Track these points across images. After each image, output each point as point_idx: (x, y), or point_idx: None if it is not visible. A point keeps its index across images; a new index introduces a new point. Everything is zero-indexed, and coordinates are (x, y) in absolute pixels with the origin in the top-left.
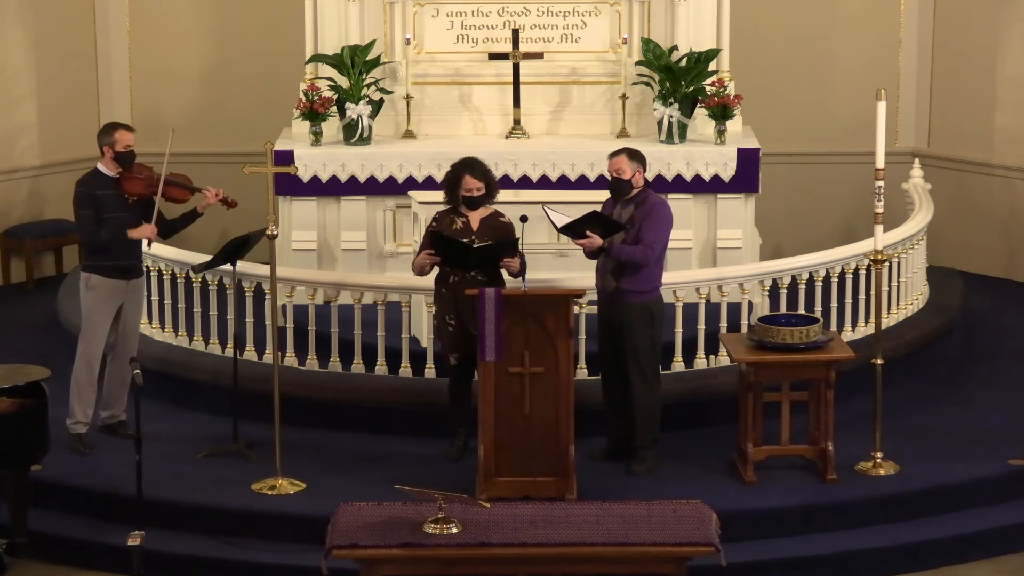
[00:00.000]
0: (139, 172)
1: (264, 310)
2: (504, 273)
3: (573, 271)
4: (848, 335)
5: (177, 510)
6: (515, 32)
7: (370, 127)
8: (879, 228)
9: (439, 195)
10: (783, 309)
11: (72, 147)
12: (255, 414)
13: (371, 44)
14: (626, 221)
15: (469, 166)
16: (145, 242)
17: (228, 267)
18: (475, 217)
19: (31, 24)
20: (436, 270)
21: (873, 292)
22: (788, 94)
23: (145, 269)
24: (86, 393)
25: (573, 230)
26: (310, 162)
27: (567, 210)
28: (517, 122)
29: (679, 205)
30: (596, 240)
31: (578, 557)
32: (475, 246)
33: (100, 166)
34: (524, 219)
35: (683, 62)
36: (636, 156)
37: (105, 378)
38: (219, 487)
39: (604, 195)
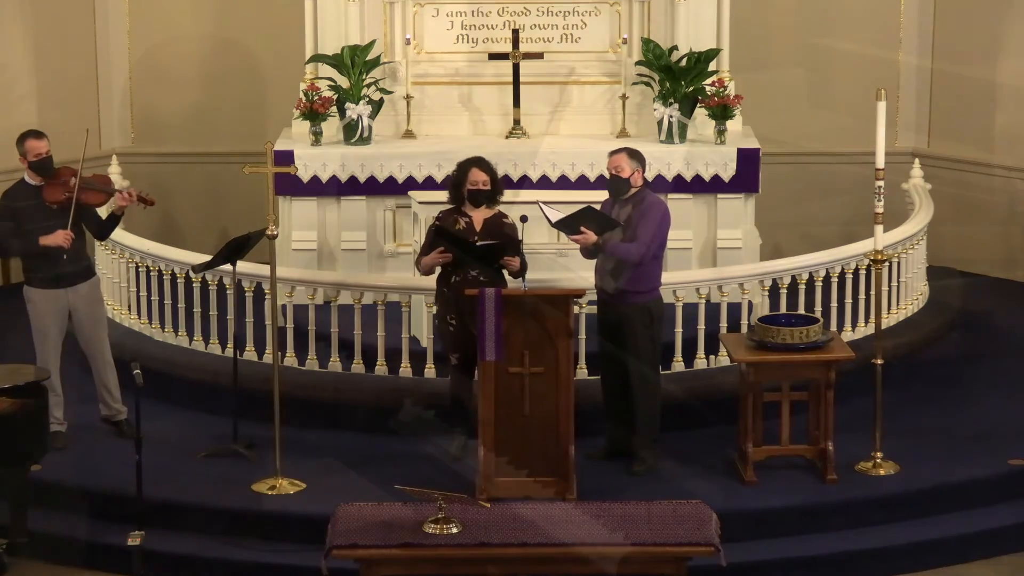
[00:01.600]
0: (60, 178)
1: (264, 310)
2: (505, 273)
3: (573, 271)
4: (848, 335)
5: (177, 510)
6: (515, 32)
7: (370, 127)
8: (879, 228)
9: (439, 195)
10: (783, 309)
11: (72, 147)
12: (255, 414)
13: (371, 44)
14: (624, 221)
15: (476, 161)
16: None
17: (228, 267)
18: (478, 217)
19: (31, 24)
20: (438, 269)
21: (873, 292)
22: (788, 94)
23: (150, 269)
24: (51, 399)
25: (568, 225)
26: (310, 162)
27: (567, 210)
28: (517, 122)
29: (679, 205)
30: (591, 236)
31: (578, 557)
32: (478, 243)
33: (25, 176)
34: (524, 219)
35: (683, 62)
36: (636, 156)
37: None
38: (219, 487)
39: (604, 195)
